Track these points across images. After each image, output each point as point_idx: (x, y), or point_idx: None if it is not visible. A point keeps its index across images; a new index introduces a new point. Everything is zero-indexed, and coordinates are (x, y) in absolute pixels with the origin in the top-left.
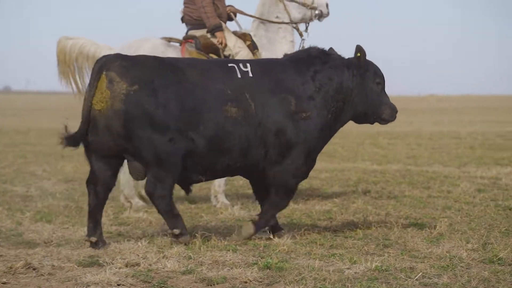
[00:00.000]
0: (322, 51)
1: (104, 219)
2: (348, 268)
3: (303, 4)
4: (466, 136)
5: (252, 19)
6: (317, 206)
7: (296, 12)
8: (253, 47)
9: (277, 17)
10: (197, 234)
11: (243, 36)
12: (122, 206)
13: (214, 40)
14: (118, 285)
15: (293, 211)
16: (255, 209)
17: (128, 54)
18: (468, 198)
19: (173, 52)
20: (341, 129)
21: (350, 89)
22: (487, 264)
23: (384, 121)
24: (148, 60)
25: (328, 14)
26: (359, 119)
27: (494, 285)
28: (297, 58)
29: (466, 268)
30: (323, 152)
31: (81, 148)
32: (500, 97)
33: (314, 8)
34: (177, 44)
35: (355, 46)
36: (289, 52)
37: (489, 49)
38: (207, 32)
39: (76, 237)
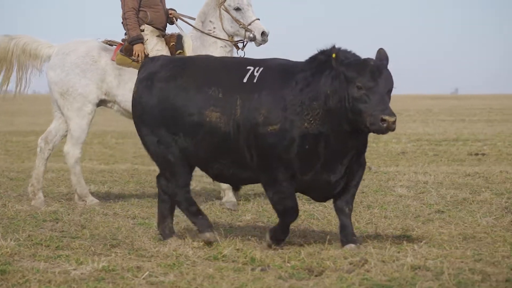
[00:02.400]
0: (319, 55)
1: None
2: (74, 269)
3: (237, 21)
4: None
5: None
6: (43, 207)
7: (228, 25)
8: (176, 48)
9: (210, 21)
10: None
11: (169, 38)
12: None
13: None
14: None
15: (17, 212)
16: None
17: (63, 54)
18: (194, 197)
19: (106, 55)
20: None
21: (326, 95)
22: (212, 261)
23: (372, 131)
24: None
25: (263, 41)
26: (359, 128)
27: (218, 281)
28: (309, 63)
29: (192, 266)
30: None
31: None
32: None
33: (249, 30)
34: (114, 47)
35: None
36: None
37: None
38: (128, 43)
39: None
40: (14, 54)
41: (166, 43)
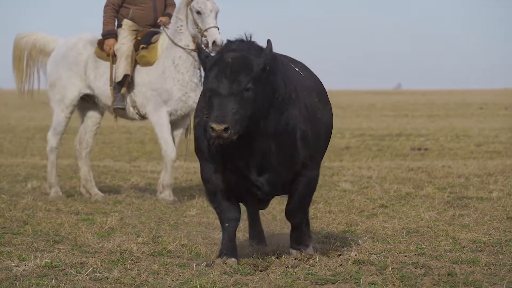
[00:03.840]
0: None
1: None
2: (16, 266)
3: (196, 24)
4: (136, 131)
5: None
6: (101, 199)
7: (190, 26)
8: (139, 43)
9: (180, 18)
10: None
11: (138, 33)
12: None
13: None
14: None
15: None
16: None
17: (58, 47)
18: (139, 192)
19: (91, 48)
20: (8, 123)
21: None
22: (156, 257)
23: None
24: None
25: (213, 50)
26: None
27: (163, 277)
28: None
29: (136, 262)
30: None
31: None
32: None
33: (204, 36)
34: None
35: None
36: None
37: None
38: (102, 36)
39: None
40: (26, 50)
41: (134, 37)
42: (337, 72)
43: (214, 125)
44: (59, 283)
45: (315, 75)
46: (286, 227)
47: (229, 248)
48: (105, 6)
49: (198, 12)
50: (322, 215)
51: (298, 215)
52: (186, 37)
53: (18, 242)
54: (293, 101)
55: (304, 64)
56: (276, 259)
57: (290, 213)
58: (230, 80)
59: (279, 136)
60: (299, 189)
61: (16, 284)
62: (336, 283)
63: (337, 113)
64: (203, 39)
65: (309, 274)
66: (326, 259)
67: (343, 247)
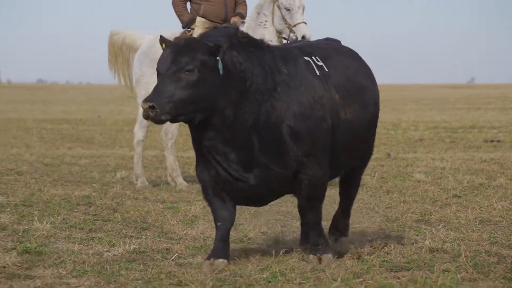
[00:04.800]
0: None
1: None
2: (107, 251)
3: (285, 20)
4: None
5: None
6: (77, 192)
7: (277, 21)
8: None
9: (264, 14)
10: None
11: (210, 29)
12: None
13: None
14: None
15: (52, 196)
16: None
17: (143, 44)
18: None
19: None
20: (98, 116)
21: None
22: (237, 244)
23: None
24: None
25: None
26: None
27: (244, 263)
28: None
29: None
30: (82, 139)
31: None
32: None
33: (293, 32)
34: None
35: None
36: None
37: None
38: (183, 28)
39: None
40: (118, 47)
41: None
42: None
43: (142, 103)
44: (146, 267)
45: (361, 72)
46: (366, 219)
47: (219, 249)
48: (173, 0)
49: (287, 9)
50: (396, 204)
51: (307, 214)
52: (270, 32)
53: (108, 228)
54: (278, 94)
55: (348, 59)
56: (353, 246)
57: (300, 211)
58: (170, 61)
59: (261, 130)
60: (302, 188)
61: (106, 268)
62: (411, 271)
63: (411, 107)
64: (291, 34)
65: (384, 261)
66: (401, 247)
67: (417, 235)
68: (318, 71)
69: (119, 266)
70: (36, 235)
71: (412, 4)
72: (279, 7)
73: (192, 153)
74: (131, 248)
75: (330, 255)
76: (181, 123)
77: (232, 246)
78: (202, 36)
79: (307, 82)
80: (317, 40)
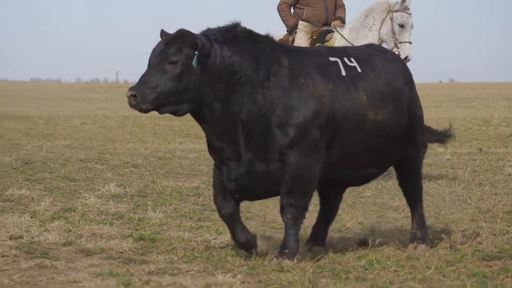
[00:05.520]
0: None
1: None
2: (214, 239)
3: (393, 34)
4: None
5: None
6: (187, 183)
7: (385, 31)
8: (315, 41)
9: (373, 17)
10: (76, 209)
11: (313, 32)
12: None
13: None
14: (2, 256)
15: (164, 187)
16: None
17: None
18: None
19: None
20: None
21: None
22: (336, 233)
23: None
24: None
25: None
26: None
27: (342, 251)
28: None
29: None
30: (191, 135)
31: None
32: None
33: (397, 48)
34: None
35: None
36: None
37: None
38: (288, 32)
39: None
40: None
41: (310, 37)
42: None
43: (126, 92)
44: (250, 254)
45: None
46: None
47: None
48: (279, 5)
49: (400, 25)
50: (488, 196)
51: (287, 213)
52: (373, 36)
53: (215, 218)
54: (270, 83)
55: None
56: (445, 236)
57: (280, 209)
58: (157, 51)
59: (250, 121)
60: (285, 180)
61: (214, 254)
62: (502, 260)
63: (502, 104)
64: (395, 48)
65: (476, 250)
66: (493, 237)
67: (509, 226)
68: (346, 72)
69: (225, 253)
70: (150, 223)
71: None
72: (391, 19)
73: None
74: None
75: (424, 246)
76: None
77: (330, 235)
78: (203, 30)
79: (311, 78)
80: (362, 45)
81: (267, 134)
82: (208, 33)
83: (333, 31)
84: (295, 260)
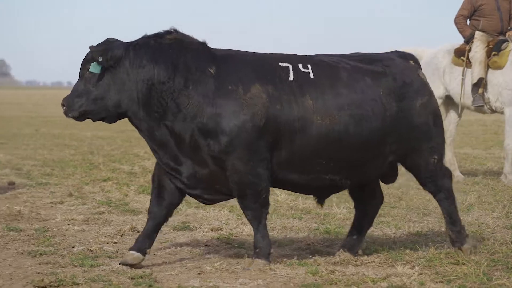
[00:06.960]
0: None
1: None
2: (393, 233)
3: None
4: (491, 123)
5: None
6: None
7: None
8: (491, 51)
9: None
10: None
11: (490, 41)
12: None
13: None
14: (206, 245)
15: None
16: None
17: (428, 57)
18: (493, 175)
19: (448, 56)
20: None
21: None
22: (509, 230)
23: None
24: None
25: None
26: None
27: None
28: None
29: (492, 233)
30: None
31: None
32: None
33: None
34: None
35: None
36: None
37: None
38: (465, 42)
39: None
40: None
41: (486, 46)
42: None
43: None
44: (428, 248)
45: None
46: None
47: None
48: (456, 18)
49: None
50: None
51: (246, 215)
52: None
53: (394, 214)
54: (188, 92)
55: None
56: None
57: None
58: (83, 62)
59: (175, 127)
60: (231, 185)
61: (393, 247)
62: None
63: None
64: None
65: None
66: None
67: None
68: (295, 77)
69: (404, 246)
70: (335, 218)
71: None
72: None
73: (467, 150)
74: (415, 231)
75: (466, 246)
76: (458, 122)
77: (503, 231)
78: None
79: (241, 83)
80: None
81: (196, 141)
82: (136, 41)
83: (508, 41)
84: (269, 258)
